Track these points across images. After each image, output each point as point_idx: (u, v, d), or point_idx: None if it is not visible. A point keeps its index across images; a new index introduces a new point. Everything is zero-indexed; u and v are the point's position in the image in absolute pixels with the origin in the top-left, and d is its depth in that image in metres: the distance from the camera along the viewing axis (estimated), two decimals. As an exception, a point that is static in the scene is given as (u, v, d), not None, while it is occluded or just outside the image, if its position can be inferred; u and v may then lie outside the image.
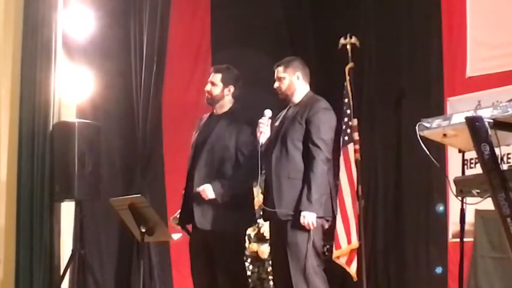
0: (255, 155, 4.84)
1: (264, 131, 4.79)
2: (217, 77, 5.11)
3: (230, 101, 5.13)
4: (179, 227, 5.16)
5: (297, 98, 4.89)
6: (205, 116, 5.26)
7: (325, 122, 4.74)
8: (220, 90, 5.09)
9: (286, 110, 4.94)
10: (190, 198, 5.02)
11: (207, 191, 4.90)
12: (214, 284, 4.97)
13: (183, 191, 5.14)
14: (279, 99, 4.97)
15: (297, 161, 4.70)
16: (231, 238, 4.96)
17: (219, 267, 4.95)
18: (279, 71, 4.91)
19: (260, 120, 4.79)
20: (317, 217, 4.62)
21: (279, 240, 4.73)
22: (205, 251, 4.99)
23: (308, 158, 4.66)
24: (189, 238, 5.15)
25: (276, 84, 4.92)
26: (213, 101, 5.12)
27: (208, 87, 5.11)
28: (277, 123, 4.88)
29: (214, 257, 4.95)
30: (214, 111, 5.17)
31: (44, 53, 6.09)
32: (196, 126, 5.26)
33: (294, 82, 4.88)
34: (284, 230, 4.66)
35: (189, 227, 5.15)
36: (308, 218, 4.56)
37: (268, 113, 4.81)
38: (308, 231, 4.59)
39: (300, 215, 4.59)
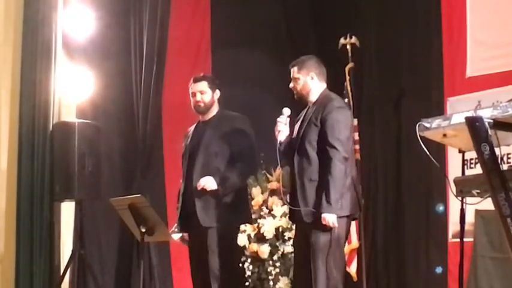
0: (249, 153, 5.03)
1: (282, 130, 4.81)
2: (203, 85, 5.20)
3: (217, 105, 5.25)
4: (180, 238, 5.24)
5: (313, 97, 4.86)
6: (192, 127, 5.36)
7: (339, 120, 4.70)
8: (211, 97, 5.20)
9: (305, 110, 4.92)
10: (188, 205, 5.09)
11: (209, 182, 4.98)
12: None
13: (180, 201, 5.20)
14: (294, 99, 4.95)
15: (315, 162, 4.69)
16: (223, 236, 5.01)
17: (213, 264, 4.98)
18: (294, 71, 4.88)
19: (278, 119, 4.82)
20: (340, 217, 4.62)
21: (303, 241, 4.75)
22: (203, 250, 5.03)
23: (325, 159, 4.64)
24: (189, 242, 5.21)
25: (291, 85, 4.91)
26: (206, 108, 5.21)
27: (198, 97, 5.18)
28: (298, 124, 4.88)
29: (207, 256, 4.99)
30: (201, 118, 5.27)
31: (44, 53, 6.09)
32: (184, 137, 5.35)
33: (308, 82, 4.85)
34: (308, 231, 4.68)
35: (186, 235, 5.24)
36: (328, 219, 4.56)
37: (286, 111, 4.82)
38: (330, 232, 4.60)
39: (320, 217, 4.60)
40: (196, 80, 5.23)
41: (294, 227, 5.30)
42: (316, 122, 4.72)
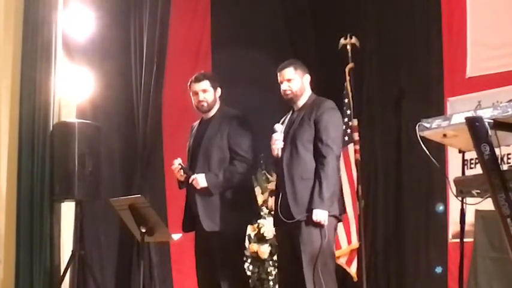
0: (248, 152, 5.03)
1: (280, 146, 4.81)
2: (205, 84, 5.18)
3: (218, 102, 5.25)
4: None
5: (302, 100, 4.91)
6: (196, 123, 5.36)
7: (333, 121, 4.80)
8: (213, 95, 5.19)
9: (290, 114, 4.96)
10: (193, 205, 5.08)
11: (199, 179, 5.00)
12: (219, 285, 5.01)
13: (185, 200, 5.19)
14: (283, 100, 4.96)
15: (307, 161, 4.74)
16: (231, 238, 5.01)
17: (220, 267, 4.99)
18: (289, 72, 4.87)
19: (275, 137, 4.81)
20: (329, 215, 4.64)
21: (289, 240, 4.75)
22: (209, 252, 5.04)
23: (319, 157, 4.70)
24: (194, 242, 5.21)
25: (285, 86, 4.88)
26: (209, 107, 5.21)
27: (201, 96, 5.16)
28: (282, 128, 4.88)
29: (215, 258, 4.99)
30: (204, 116, 5.26)
31: (44, 53, 6.08)
32: (189, 134, 5.35)
33: (304, 83, 4.91)
34: (297, 229, 4.67)
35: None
36: (320, 215, 4.60)
37: (279, 127, 4.84)
38: (321, 228, 4.61)
39: (312, 213, 4.61)
40: (197, 80, 5.20)
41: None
42: (309, 123, 4.78)
